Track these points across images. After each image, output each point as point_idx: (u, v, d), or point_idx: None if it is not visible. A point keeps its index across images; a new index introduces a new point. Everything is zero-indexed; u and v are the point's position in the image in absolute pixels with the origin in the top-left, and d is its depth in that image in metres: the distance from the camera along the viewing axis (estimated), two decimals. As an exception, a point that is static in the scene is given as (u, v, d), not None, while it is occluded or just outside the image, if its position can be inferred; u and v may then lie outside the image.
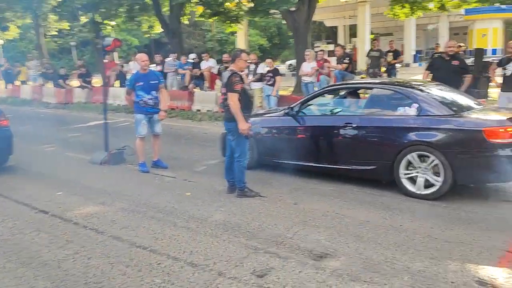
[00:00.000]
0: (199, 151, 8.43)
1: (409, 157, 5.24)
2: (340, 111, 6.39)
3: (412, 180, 5.30)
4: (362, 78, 15.97)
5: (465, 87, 7.48)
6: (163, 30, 19.50)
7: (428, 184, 5.20)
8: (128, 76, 14.97)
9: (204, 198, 5.52)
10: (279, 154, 6.38)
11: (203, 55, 15.00)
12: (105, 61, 14.86)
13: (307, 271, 3.56)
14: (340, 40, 33.19)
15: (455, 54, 7.96)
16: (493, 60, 15.40)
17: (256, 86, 10.70)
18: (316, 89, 11.68)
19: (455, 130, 5.10)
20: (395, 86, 6.00)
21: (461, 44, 15.40)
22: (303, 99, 6.67)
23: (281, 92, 12.06)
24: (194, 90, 14.20)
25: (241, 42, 29.08)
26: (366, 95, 6.80)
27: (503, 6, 30.58)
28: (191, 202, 5.39)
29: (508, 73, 7.71)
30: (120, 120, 12.60)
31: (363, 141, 5.72)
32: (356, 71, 14.39)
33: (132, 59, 16.32)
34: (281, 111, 6.75)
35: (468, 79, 7.70)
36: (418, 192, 5.24)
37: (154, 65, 15.16)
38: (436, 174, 5.13)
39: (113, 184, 6.27)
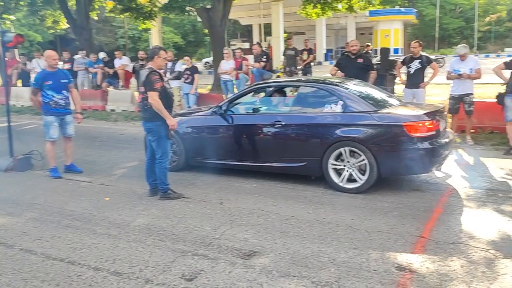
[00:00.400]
0: (116, 153, 8.05)
1: (341, 150, 5.39)
2: (269, 109, 6.42)
3: (338, 172, 5.49)
4: (278, 76, 16.35)
5: (370, 83, 7.95)
6: (69, 25, 18.36)
7: (352, 179, 5.41)
8: (32, 75, 13.92)
9: (124, 203, 5.28)
10: (208, 154, 6.25)
11: (115, 53, 14.37)
12: (5, 58, 13.63)
13: (237, 271, 3.54)
14: (255, 38, 33.71)
15: (359, 52, 8.44)
16: (396, 58, 16.55)
17: (174, 84, 10.46)
18: (235, 87, 11.74)
19: (378, 125, 5.32)
20: (321, 84, 6.11)
21: (369, 44, 16.40)
22: (231, 97, 6.60)
23: (199, 90, 11.93)
24: (108, 89, 13.56)
25: (155, 40, 28.38)
26: (293, 93, 6.84)
27: (402, 9, 33.00)
28: (110, 207, 5.12)
29: (411, 71, 8.32)
30: (25, 123, 11.67)
31: (293, 138, 5.78)
32: (273, 69, 14.66)
33: (36, 57, 15.15)
34: (208, 110, 6.61)
35: (372, 75, 8.20)
36: (341, 184, 5.45)
37: (61, 62, 14.21)
38: (361, 171, 5.35)
39: (21, 192, 5.76)
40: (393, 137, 5.24)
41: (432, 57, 14.66)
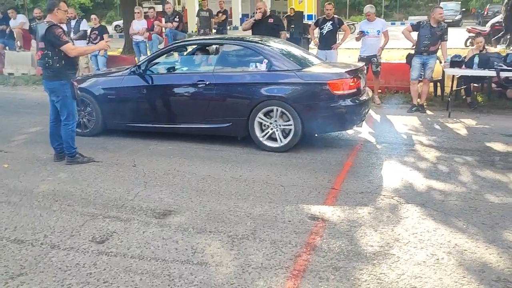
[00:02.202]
0: (16, 118, 7.38)
1: (271, 108, 5.32)
2: (191, 69, 6.16)
3: (262, 128, 5.44)
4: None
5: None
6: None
7: (273, 137, 5.42)
8: None
9: (26, 169, 4.87)
10: (128, 117, 5.92)
11: (8, 11, 12.93)
12: None
13: (151, 230, 3.43)
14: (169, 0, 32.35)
15: (269, 13, 8.41)
16: (311, 22, 16.80)
17: (80, 44, 9.70)
18: (148, 49, 11.21)
19: (303, 84, 5.29)
20: (246, 42, 5.94)
21: (293, 7, 16.23)
22: (150, 56, 6.22)
23: (110, 53, 11.23)
24: (4, 51, 12.29)
25: None
26: (215, 52, 6.47)
27: (316, -25, 33.30)
28: (10, 174, 4.70)
29: (324, 32, 8.50)
30: None
31: (217, 98, 5.58)
32: (187, 33, 14.18)
33: None
34: (125, 70, 6.19)
35: (283, 35, 8.23)
36: (261, 139, 5.43)
37: None
38: (284, 134, 5.36)
39: None
40: (317, 95, 5.28)
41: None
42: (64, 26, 5.04)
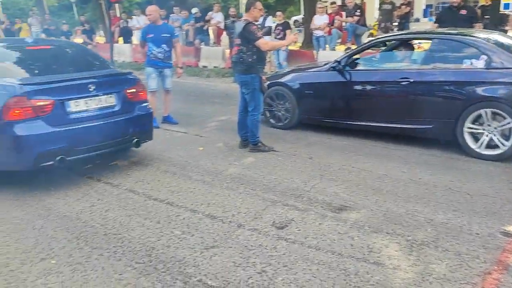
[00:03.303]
0: (209, 107, 8.30)
1: (481, 112, 4.81)
2: (394, 65, 5.94)
3: (475, 137, 4.93)
4: (371, 33, 15.55)
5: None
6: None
7: (493, 144, 4.84)
8: (135, 32, 14.66)
9: (217, 153, 5.45)
10: (324, 112, 6.01)
11: (214, 4, 14.42)
12: (114, 16, 14.49)
13: (327, 223, 3.51)
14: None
15: (461, 3, 7.66)
16: (508, 13, 14.86)
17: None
18: (327, 44, 11.38)
19: None
20: (458, 36, 5.43)
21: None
22: (350, 52, 6.16)
23: (290, 47, 11.75)
24: (201, 46, 13.88)
25: (245, -3, 28.27)
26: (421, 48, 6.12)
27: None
28: (204, 156, 5.32)
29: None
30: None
31: (421, 97, 5.22)
32: (367, 26, 13.93)
33: (135, 14, 15.88)
34: (323, 65, 6.23)
35: (477, 27, 7.42)
36: (478, 150, 4.89)
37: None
38: (504, 136, 4.76)
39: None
40: None
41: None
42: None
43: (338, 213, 3.69)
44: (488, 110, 4.76)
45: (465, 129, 4.91)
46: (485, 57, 4.90)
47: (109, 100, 4.64)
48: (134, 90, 4.87)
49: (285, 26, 10.87)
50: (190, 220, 3.62)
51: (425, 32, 6.37)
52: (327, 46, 11.32)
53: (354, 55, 6.01)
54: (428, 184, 4.25)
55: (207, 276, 2.83)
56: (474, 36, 5.29)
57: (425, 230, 3.33)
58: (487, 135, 4.83)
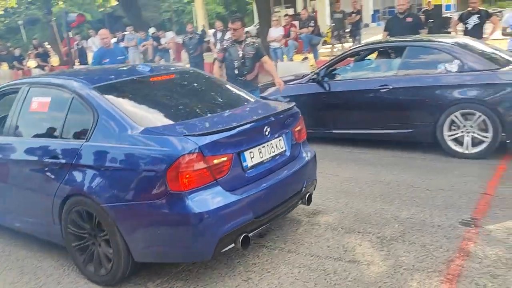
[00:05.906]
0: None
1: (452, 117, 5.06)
2: (372, 73, 6.11)
3: (459, 141, 5.14)
4: (325, 41, 16.11)
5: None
6: (117, 2, 18.83)
7: (477, 142, 5.04)
8: (89, 54, 14.51)
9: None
10: (307, 122, 6.05)
11: (159, 33, 14.60)
12: (67, 38, 14.29)
13: (303, 228, 3.74)
14: (299, 3, 33.01)
15: (407, 11, 8.09)
16: (450, 15, 15.76)
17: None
18: (285, 55, 11.74)
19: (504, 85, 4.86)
20: (431, 43, 5.67)
21: (430, 0, 15.39)
22: (328, 63, 6.33)
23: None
24: (160, 62, 13.94)
25: (199, 11, 28.48)
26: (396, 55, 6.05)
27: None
28: None
29: (469, 27, 8.00)
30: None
31: (401, 103, 5.43)
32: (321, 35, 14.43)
33: (92, 36, 15.75)
34: (301, 77, 6.41)
35: (424, 32, 7.90)
36: (467, 152, 5.09)
37: (115, 39, 14.72)
38: (482, 130, 4.98)
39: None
40: None
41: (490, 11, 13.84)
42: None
43: (313, 218, 3.93)
44: (458, 113, 5.02)
45: (446, 138, 5.14)
46: (457, 61, 5.17)
47: (280, 145, 3.41)
48: (299, 127, 3.67)
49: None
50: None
51: (397, 41, 6.39)
52: (284, 56, 11.68)
53: (331, 66, 6.21)
54: (392, 183, 4.57)
55: (196, 289, 2.98)
56: (446, 42, 5.50)
57: (393, 227, 3.62)
58: (467, 135, 5.06)
